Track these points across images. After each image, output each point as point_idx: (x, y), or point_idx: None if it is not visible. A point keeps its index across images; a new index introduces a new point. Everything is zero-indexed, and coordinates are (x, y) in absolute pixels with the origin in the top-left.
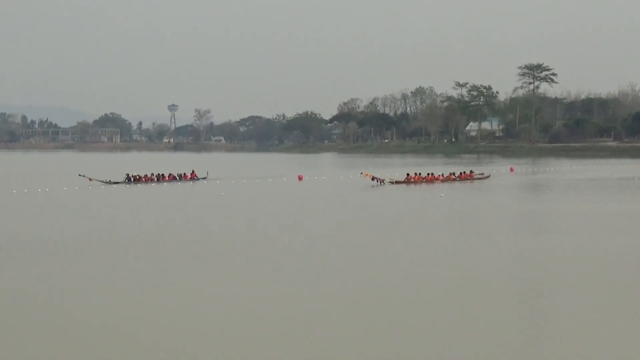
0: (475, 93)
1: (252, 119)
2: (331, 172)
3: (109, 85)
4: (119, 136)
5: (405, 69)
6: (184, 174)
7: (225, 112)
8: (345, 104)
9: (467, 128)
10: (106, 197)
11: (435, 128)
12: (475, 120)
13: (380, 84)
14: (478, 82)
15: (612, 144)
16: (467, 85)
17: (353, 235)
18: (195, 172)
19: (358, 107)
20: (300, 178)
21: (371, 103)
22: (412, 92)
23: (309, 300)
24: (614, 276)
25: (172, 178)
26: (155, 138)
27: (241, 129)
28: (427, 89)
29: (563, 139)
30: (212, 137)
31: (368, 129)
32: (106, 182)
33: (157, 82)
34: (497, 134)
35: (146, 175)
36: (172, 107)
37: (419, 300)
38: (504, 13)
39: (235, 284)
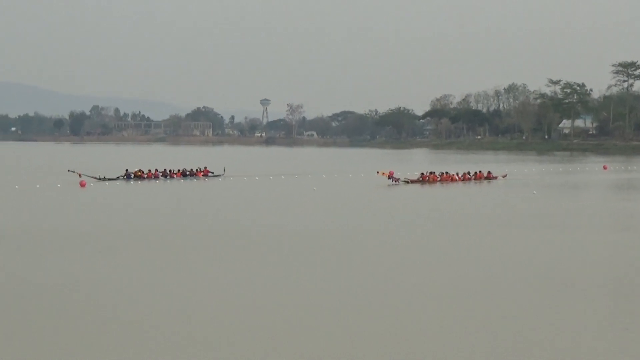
0: (568, 90)
1: (345, 114)
2: (423, 169)
3: (202, 79)
4: (211, 130)
5: (499, 65)
6: (197, 170)
7: (318, 107)
8: (438, 99)
9: (560, 125)
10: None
11: (528, 125)
12: (568, 117)
13: (473, 80)
14: (571, 79)
15: None
16: (561, 83)
17: (446, 233)
18: (208, 168)
19: (451, 103)
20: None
21: (464, 99)
22: (505, 89)
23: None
24: None
25: (180, 175)
26: (247, 132)
27: (333, 124)
28: (520, 85)
29: None
30: (304, 132)
31: (461, 126)
32: (99, 179)
33: (250, 76)
34: (591, 132)
35: (149, 171)
36: (265, 102)
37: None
38: (598, 8)
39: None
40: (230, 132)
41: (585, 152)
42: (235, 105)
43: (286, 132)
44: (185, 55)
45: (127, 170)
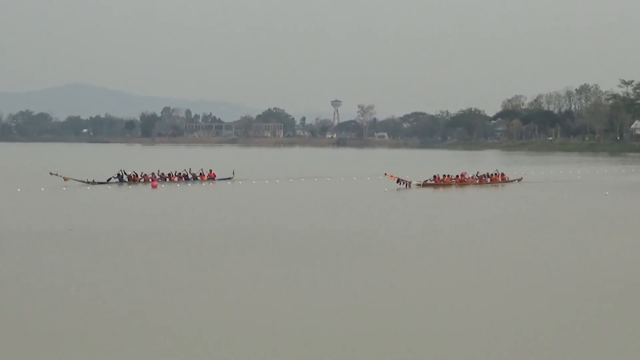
0: None
1: (416, 115)
2: (494, 170)
3: (273, 81)
4: (282, 131)
5: (571, 65)
6: (201, 173)
7: (389, 108)
8: (509, 100)
9: (632, 126)
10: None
11: (600, 126)
12: None
13: (544, 81)
14: None
15: None
16: (633, 83)
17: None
18: (213, 171)
19: (522, 104)
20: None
21: (535, 100)
22: (576, 90)
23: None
24: None
25: (182, 178)
26: (318, 133)
27: (404, 125)
28: (592, 86)
29: None
30: (375, 133)
31: (532, 127)
32: (87, 182)
33: (321, 77)
34: None
35: (145, 175)
36: (336, 103)
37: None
38: None
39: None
40: (301, 133)
41: None
42: (306, 106)
43: (357, 133)
44: (257, 57)
45: (119, 173)
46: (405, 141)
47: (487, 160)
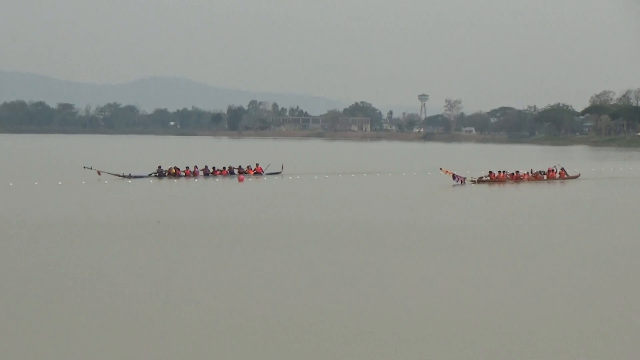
0: None
1: (503, 110)
2: (582, 166)
3: (360, 74)
4: (369, 125)
5: None
6: (247, 167)
7: (476, 103)
8: (597, 96)
9: None
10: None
11: None
12: None
13: (633, 76)
14: None
15: None
16: None
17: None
18: (260, 165)
19: (611, 99)
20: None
21: (624, 95)
22: None
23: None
24: None
25: (226, 173)
26: (405, 128)
27: (492, 120)
28: None
29: None
30: (462, 128)
31: (621, 122)
32: (122, 176)
33: (407, 71)
34: None
35: (187, 168)
36: (423, 97)
37: None
38: None
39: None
40: (389, 127)
41: None
42: (393, 100)
43: (444, 127)
44: (344, 51)
45: (160, 167)
46: (493, 136)
47: (574, 155)
